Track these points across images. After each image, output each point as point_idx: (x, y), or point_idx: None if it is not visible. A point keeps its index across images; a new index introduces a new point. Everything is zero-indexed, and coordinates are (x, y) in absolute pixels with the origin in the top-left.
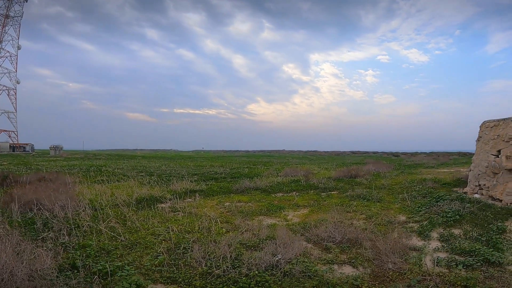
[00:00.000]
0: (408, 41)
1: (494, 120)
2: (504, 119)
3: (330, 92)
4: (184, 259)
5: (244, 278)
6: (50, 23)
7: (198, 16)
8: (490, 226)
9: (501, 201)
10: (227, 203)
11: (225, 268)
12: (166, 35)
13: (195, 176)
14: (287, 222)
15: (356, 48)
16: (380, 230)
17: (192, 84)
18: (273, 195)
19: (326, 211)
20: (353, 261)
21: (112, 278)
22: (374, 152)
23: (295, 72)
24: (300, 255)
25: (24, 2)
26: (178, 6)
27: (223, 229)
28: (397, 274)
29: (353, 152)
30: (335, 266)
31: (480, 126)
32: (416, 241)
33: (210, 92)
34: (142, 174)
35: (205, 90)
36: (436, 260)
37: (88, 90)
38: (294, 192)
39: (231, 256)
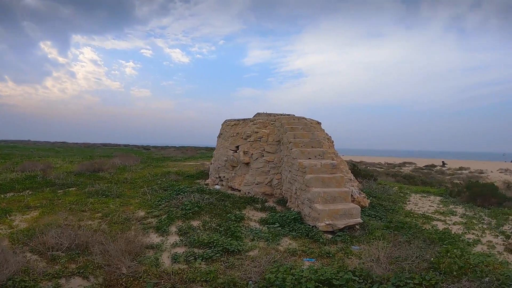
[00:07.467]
0: (174, 40)
1: (234, 120)
2: (244, 119)
3: (86, 79)
4: None
5: None
6: None
7: None
8: (228, 215)
9: (239, 191)
10: None
11: None
12: None
13: None
14: (12, 230)
15: (122, 37)
16: (115, 230)
17: None
18: (2, 195)
19: (60, 211)
20: (82, 270)
21: None
22: (125, 145)
23: (52, 51)
24: (21, 272)
25: None
26: None
27: None
28: (131, 279)
29: (104, 145)
30: (63, 280)
31: (222, 124)
32: (155, 238)
33: None
34: None
35: None
36: (173, 257)
37: None
38: (27, 191)
39: None
